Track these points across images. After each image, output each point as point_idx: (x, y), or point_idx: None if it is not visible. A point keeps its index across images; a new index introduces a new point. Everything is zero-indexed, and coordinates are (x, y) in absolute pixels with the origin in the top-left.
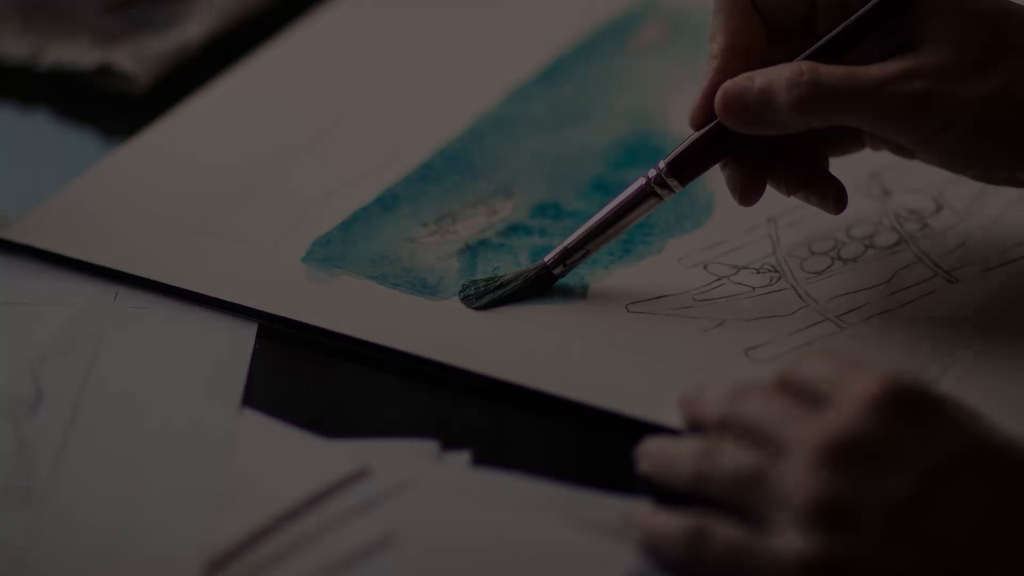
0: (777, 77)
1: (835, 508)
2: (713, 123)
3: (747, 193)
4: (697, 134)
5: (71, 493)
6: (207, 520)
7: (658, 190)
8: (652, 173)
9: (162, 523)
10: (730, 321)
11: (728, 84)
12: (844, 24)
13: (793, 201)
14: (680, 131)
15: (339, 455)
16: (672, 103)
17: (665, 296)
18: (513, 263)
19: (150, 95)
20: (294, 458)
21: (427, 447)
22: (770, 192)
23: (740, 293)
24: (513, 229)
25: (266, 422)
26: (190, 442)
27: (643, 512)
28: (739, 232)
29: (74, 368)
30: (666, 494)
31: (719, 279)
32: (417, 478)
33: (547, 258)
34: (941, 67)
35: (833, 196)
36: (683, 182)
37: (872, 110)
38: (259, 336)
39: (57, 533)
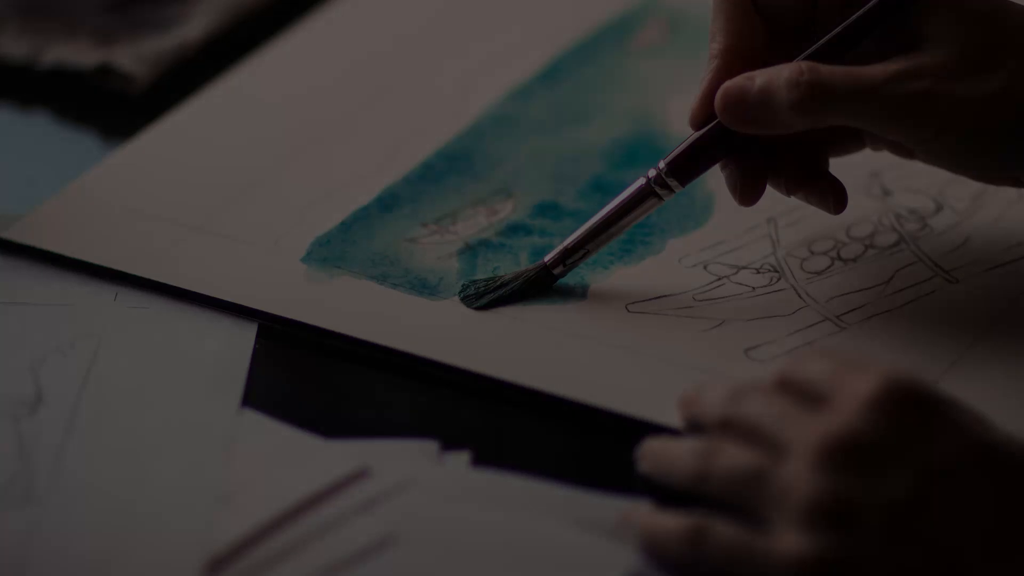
0: (777, 77)
1: (835, 508)
2: (713, 123)
3: (747, 193)
4: (697, 134)
5: (71, 493)
6: (207, 520)
7: (658, 190)
8: (652, 173)
9: (162, 523)
10: (730, 321)
11: (728, 84)
12: (844, 24)
13: (793, 201)
14: (680, 131)
15: (339, 455)
16: (672, 103)
17: (665, 296)
18: (513, 263)
19: (150, 95)
20: (294, 458)
21: (427, 447)
22: (770, 192)
23: (740, 293)
24: (513, 229)
25: (266, 422)
26: (190, 442)
27: (643, 512)
28: (739, 232)
29: (74, 368)
30: (666, 494)
31: (719, 279)
32: (417, 478)
33: (547, 258)
34: (941, 67)
35: (833, 196)
36: (683, 182)
37: (872, 110)
38: (259, 336)
39: (57, 533)
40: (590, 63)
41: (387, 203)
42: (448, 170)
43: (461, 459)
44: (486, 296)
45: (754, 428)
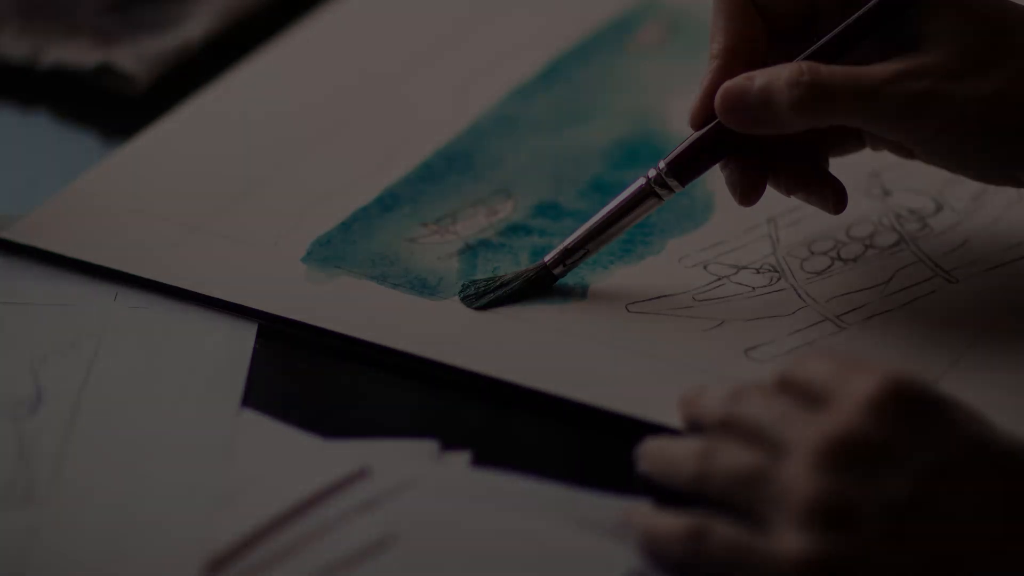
0: (777, 77)
1: (834, 508)
2: (713, 123)
3: (747, 193)
4: (697, 134)
5: (71, 493)
6: (207, 520)
7: (658, 190)
8: (652, 173)
9: (162, 523)
10: (730, 321)
11: (728, 84)
12: (844, 24)
13: (793, 201)
14: (680, 131)
15: (339, 455)
16: (672, 103)
17: (665, 296)
18: (513, 263)
19: (150, 95)
20: (294, 458)
21: (427, 447)
22: (770, 192)
23: (740, 293)
24: (513, 229)
25: (266, 422)
26: (190, 442)
27: (643, 512)
28: (739, 232)
29: (74, 368)
30: (666, 494)
31: (719, 279)
32: (417, 478)
33: (547, 258)
34: (941, 67)
35: (833, 196)
36: (683, 182)
37: (872, 110)
38: (259, 336)
39: (57, 533)
40: (590, 63)
41: (387, 203)
42: (448, 170)
43: (461, 459)
44: (486, 296)
45: (754, 428)
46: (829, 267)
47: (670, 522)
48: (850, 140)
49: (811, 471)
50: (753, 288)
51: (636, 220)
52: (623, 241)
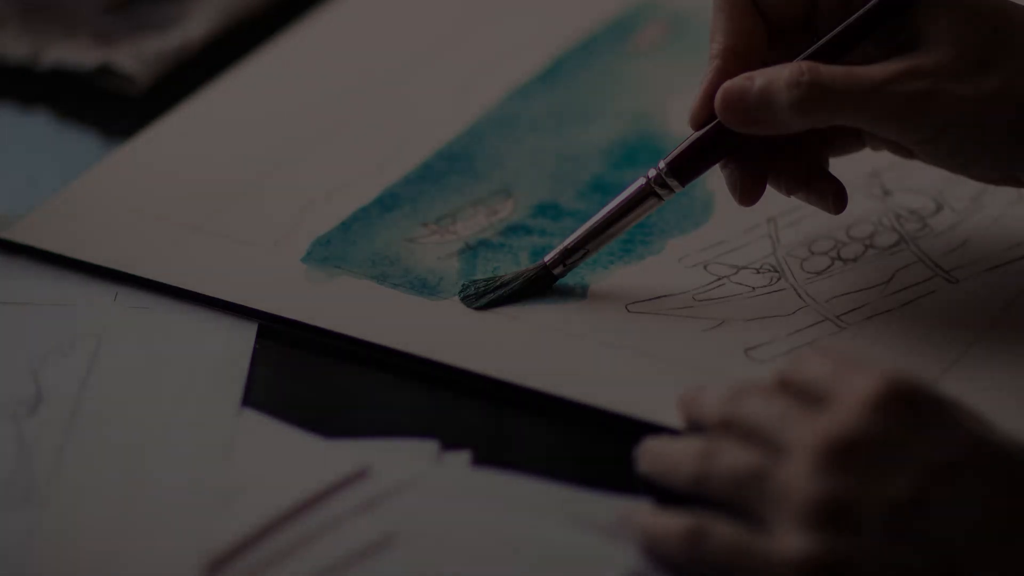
0: (777, 77)
1: (835, 508)
2: (713, 123)
3: (747, 193)
4: (697, 134)
5: (71, 493)
6: (207, 520)
7: (658, 190)
8: (652, 173)
9: (162, 523)
10: (730, 321)
11: (728, 84)
12: (844, 24)
13: (793, 201)
14: (680, 131)
15: (339, 455)
16: (672, 103)
17: (665, 296)
18: (513, 263)
19: (150, 95)
20: (294, 458)
21: (427, 447)
22: (770, 192)
23: (740, 293)
24: (513, 229)
25: (266, 422)
26: (190, 442)
27: (643, 512)
28: (739, 232)
29: (74, 368)
30: (666, 494)
31: (719, 279)
32: (417, 478)
33: (547, 258)
34: (941, 67)
35: (833, 196)
36: (683, 182)
37: (872, 110)
38: (259, 336)
39: (57, 533)
40: (590, 63)
41: (387, 203)
42: (448, 170)
43: (461, 459)
44: (486, 296)
45: (754, 428)
46: (829, 267)
47: (670, 522)
48: (850, 140)
49: (811, 471)
50: (753, 288)
51: (636, 220)
52: (623, 241)
